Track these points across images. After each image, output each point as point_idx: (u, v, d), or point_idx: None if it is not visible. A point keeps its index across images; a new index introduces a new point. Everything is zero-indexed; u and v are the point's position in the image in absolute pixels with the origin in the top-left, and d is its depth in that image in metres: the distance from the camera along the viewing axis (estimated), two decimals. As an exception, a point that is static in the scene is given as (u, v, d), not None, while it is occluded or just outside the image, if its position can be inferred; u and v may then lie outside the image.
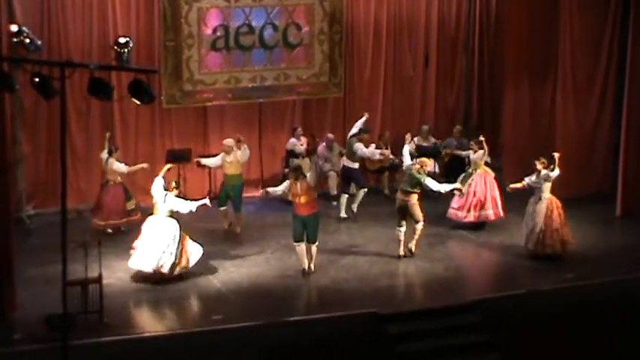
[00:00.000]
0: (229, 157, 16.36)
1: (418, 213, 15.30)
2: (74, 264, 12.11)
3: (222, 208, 16.36)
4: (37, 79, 10.65)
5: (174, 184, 14.61)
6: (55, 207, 15.80)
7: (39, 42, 13.10)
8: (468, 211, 16.57)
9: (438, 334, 13.40)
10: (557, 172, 15.21)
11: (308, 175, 14.64)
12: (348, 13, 18.68)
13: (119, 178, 16.26)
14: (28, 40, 12.86)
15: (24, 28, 13.00)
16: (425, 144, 18.55)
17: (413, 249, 15.42)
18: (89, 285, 12.68)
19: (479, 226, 16.67)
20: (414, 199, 15.30)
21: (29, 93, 14.29)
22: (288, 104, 18.78)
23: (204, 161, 16.67)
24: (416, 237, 15.39)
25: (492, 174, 16.87)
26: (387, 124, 19.12)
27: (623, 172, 17.61)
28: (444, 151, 18.62)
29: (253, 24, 17.95)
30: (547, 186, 15.26)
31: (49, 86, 10.57)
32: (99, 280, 12.74)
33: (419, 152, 18.12)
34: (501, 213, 16.71)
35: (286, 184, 14.57)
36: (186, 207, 14.36)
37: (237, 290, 14.03)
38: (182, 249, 14.18)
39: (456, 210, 16.69)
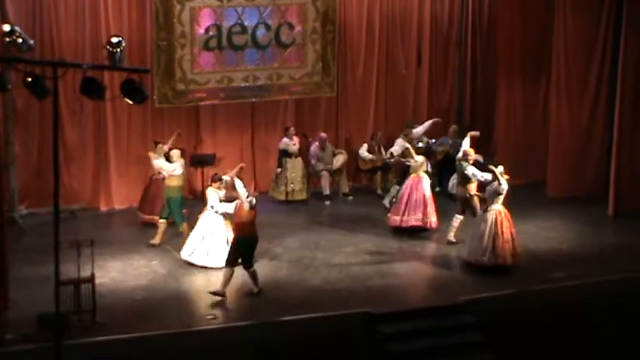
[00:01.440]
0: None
1: (473, 205, 15.55)
2: (67, 264, 12.13)
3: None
4: (29, 79, 10.65)
5: (216, 178, 14.86)
6: (48, 207, 15.79)
7: (31, 42, 13.12)
8: (408, 214, 16.33)
9: (431, 333, 13.42)
10: (505, 186, 14.77)
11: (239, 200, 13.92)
12: (341, 12, 18.67)
13: (163, 173, 16.35)
14: (20, 40, 12.86)
15: (16, 28, 13.00)
16: (420, 144, 18.52)
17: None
18: (82, 285, 12.66)
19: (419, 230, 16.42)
20: (471, 189, 15.55)
21: (22, 93, 14.26)
22: (281, 104, 18.78)
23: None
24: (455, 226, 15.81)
25: (428, 180, 16.65)
26: (380, 124, 19.14)
27: (615, 172, 17.63)
28: (439, 149, 18.62)
29: (246, 23, 17.94)
30: (498, 198, 14.84)
31: (42, 86, 10.57)
32: (91, 279, 12.73)
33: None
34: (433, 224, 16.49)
35: (234, 204, 14.06)
36: (217, 206, 14.58)
37: (230, 290, 14.02)
38: None
39: (393, 216, 16.54)
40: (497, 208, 14.80)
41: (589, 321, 14.16)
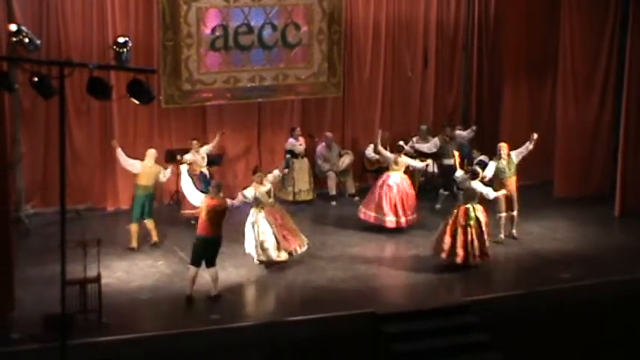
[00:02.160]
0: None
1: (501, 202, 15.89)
2: (73, 264, 12.12)
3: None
4: (36, 79, 10.64)
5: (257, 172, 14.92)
6: (54, 207, 15.86)
7: (38, 41, 13.11)
8: (371, 210, 16.52)
9: (436, 333, 13.43)
10: (480, 187, 14.92)
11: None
12: (347, 13, 18.68)
13: (198, 169, 16.43)
14: (27, 40, 12.86)
15: (23, 28, 13.00)
16: (424, 144, 18.54)
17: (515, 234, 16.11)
18: (88, 284, 12.68)
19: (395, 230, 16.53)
20: (510, 184, 15.95)
21: (28, 92, 14.29)
22: (287, 104, 18.79)
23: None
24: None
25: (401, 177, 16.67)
26: (386, 125, 19.11)
27: (621, 172, 17.64)
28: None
29: (252, 24, 17.96)
30: (475, 197, 14.94)
31: (48, 86, 10.57)
32: (97, 279, 12.75)
33: (417, 153, 18.17)
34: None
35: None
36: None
37: (235, 290, 14.05)
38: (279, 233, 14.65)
39: (362, 208, 16.72)
40: (466, 205, 14.84)
41: (594, 321, 14.16)
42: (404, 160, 16.63)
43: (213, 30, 17.71)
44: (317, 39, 18.46)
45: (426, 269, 15.07)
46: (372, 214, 16.52)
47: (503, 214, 16.05)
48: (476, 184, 14.90)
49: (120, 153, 15.76)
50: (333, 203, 18.27)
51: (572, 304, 14.08)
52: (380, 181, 16.64)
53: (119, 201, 17.65)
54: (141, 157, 17.38)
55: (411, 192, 16.66)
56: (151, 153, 15.95)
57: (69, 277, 11.06)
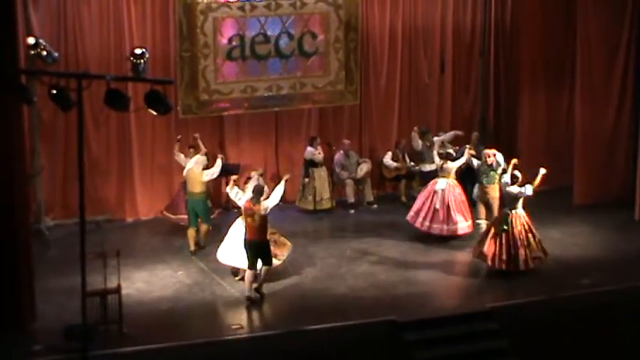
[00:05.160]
0: None
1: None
2: (93, 275, 12.18)
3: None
4: (54, 91, 10.69)
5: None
6: (74, 218, 15.89)
7: (56, 54, 13.22)
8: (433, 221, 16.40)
9: (457, 340, 13.38)
10: (516, 189, 14.84)
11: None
12: (364, 21, 18.69)
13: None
14: (45, 53, 12.95)
15: (41, 41, 13.10)
16: (440, 151, 18.48)
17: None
18: (108, 295, 12.73)
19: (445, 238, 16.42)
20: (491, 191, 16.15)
21: (47, 105, 14.34)
22: (304, 113, 18.80)
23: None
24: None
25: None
26: (404, 132, 19.10)
27: (640, 177, 17.58)
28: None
29: (269, 33, 17.98)
30: (515, 202, 14.91)
31: (67, 98, 10.62)
32: (118, 290, 12.79)
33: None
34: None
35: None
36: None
37: (255, 299, 14.04)
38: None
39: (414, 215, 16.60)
40: (512, 212, 14.81)
41: (615, 327, 14.08)
42: (449, 165, 16.56)
43: (230, 40, 17.75)
44: (334, 47, 18.47)
45: (446, 276, 15.05)
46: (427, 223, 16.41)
47: (483, 222, 16.17)
48: (513, 189, 14.86)
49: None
50: (352, 211, 18.26)
51: (593, 310, 14.01)
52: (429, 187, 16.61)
53: (138, 212, 17.69)
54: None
55: (460, 199, 16.47)
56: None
57: (89, 289, 11.13)
